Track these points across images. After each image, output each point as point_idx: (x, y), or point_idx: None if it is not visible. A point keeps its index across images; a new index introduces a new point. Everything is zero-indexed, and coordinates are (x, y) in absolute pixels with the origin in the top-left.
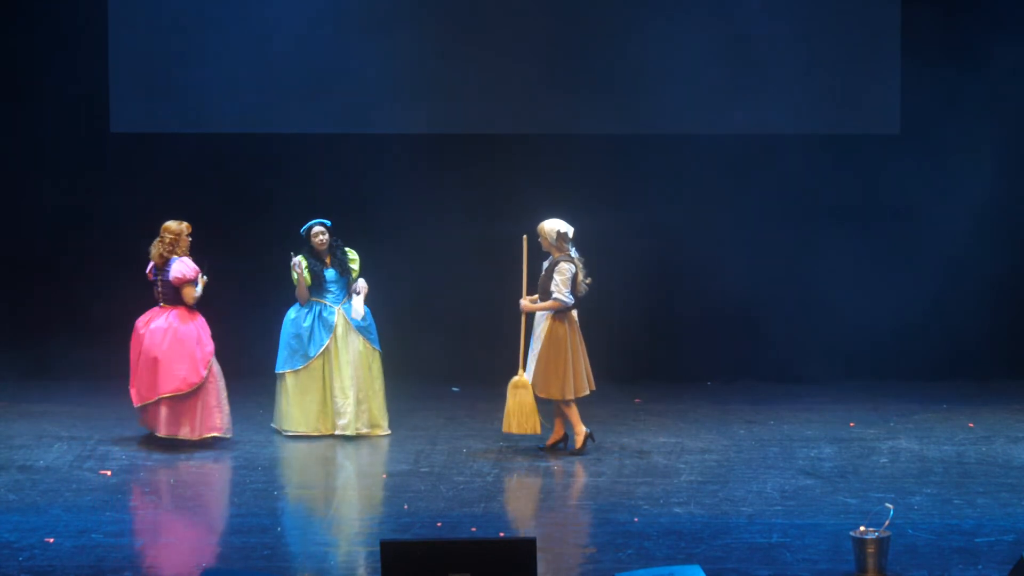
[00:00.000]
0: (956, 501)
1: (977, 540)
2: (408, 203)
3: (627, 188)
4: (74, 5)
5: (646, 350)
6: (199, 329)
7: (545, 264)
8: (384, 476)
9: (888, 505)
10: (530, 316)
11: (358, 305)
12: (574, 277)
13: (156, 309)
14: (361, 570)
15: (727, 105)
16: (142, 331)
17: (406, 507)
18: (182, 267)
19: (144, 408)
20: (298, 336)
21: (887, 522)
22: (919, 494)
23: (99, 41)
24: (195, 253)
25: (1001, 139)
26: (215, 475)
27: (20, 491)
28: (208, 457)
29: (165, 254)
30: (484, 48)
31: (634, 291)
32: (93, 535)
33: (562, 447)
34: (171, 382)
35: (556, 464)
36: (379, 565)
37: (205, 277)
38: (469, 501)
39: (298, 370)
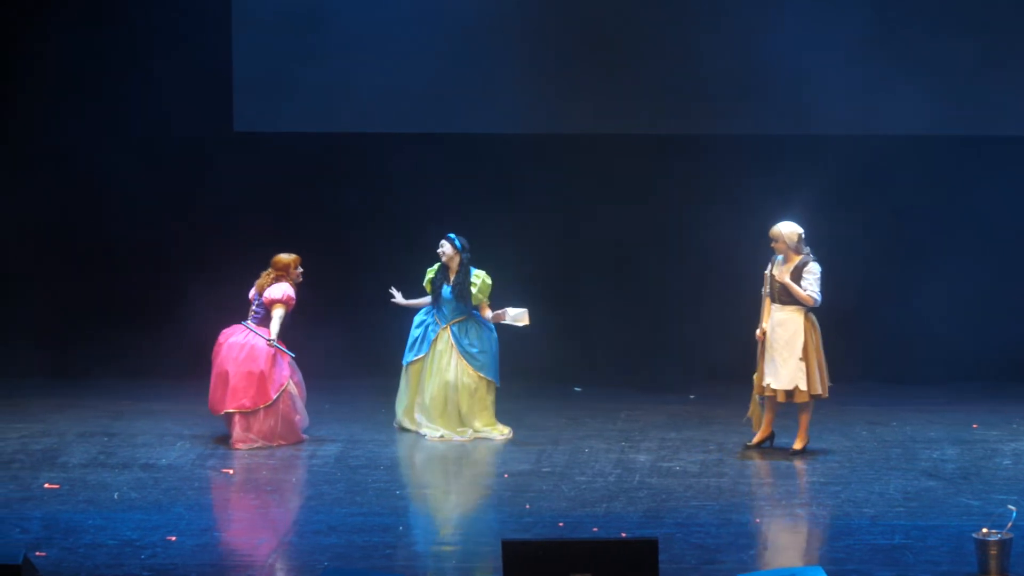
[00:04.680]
0: None
1: None
2: (521, 203)
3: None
4: (198, 4)
5: None
6: (278, 352)
7: (776, 260)
8: (505, 476)
9: (1011, 507)
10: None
11: (516, 314)
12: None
13: (239, 326)
14: (482, 570)
15: (869, 105)
16: (222, 342)
17: (527, 507)
18: (282, 288)
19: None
20: (411, 335)
21: (1010, 524)
22: None
23: (223, 39)
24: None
25: None
26: (337, 474)
27: (143, 489)
28: (330, 456)
29: (270, 285)
30: (637, 47)
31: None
32: (215, 533)
33: (768, 445)
34: (237, 398)
35: (678, 464)
36: (500, 564)
37: (286, 351)
38: (591, 501)
39: (405, 366)
